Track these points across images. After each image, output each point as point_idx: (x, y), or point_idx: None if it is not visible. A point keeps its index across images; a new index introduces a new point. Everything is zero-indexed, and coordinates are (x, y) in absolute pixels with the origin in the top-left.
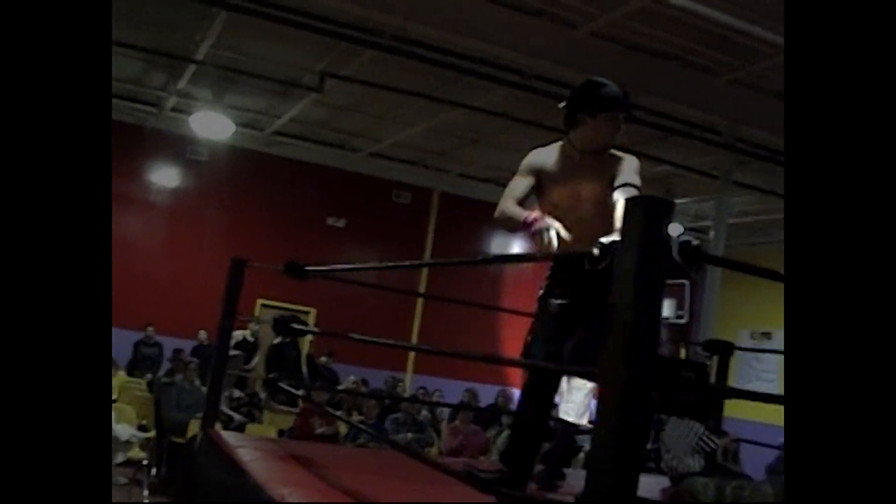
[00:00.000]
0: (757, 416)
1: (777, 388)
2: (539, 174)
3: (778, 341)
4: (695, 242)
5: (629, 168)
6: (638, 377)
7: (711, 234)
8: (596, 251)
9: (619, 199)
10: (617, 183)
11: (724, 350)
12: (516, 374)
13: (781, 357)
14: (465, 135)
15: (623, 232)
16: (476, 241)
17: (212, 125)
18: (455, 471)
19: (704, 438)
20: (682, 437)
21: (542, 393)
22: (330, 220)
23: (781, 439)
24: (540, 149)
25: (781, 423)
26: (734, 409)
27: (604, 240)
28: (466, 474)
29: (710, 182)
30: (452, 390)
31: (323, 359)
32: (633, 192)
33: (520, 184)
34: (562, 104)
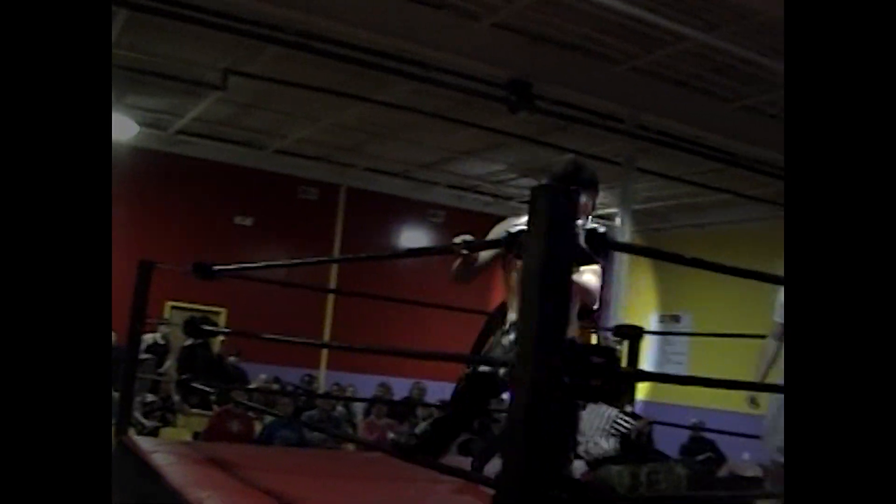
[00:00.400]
0: (668, 397)
1: (686, 369)
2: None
3: (686, 323)
4: (601, 229)
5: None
6: (548, 364)
7: (617, 220)
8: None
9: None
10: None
11: (634, 334)
12: (430, 368)
13: (690, 339)
14: (372, 129)
15: (530, 221)
16: (385, 235)
17: (113, 126)
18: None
19: (619, 421)
20: (596, 421)
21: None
22: (237, 219)
23: (693, 420)
24: (511, 219)
25: (691, 403)
26: (647, 392)
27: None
28: (392, 443)
29: (613, 169)
30: (366, 385)
31: (232, 358)
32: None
33: (484, 254)
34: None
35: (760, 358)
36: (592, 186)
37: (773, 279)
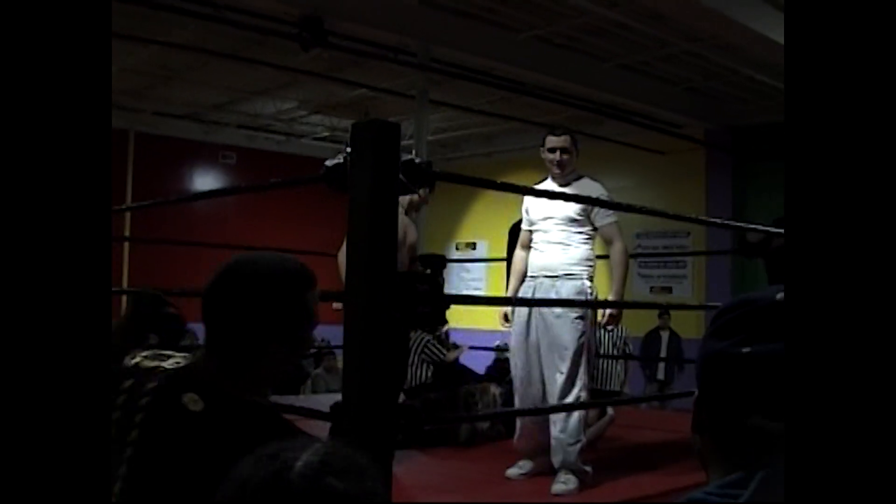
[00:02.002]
0: (471, 322)
1: (485, 293)
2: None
3: (482, 250)
4: (417, 160)
5: None
6: (380, 294)
7: (413, 152)
8: None
9: None
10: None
11: (438, 263)
12: None
13: (487, 265)
14: (160, 72)
15: (354, 156)
16: (177, 179)
17: None
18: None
19: (430, 348)
20: (412, 349)
21: None
22: None
23: (497, 342)
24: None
25: (493, 327)
26: (452, 319)
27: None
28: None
29: (406, 102)
30: None
31: None
32: None
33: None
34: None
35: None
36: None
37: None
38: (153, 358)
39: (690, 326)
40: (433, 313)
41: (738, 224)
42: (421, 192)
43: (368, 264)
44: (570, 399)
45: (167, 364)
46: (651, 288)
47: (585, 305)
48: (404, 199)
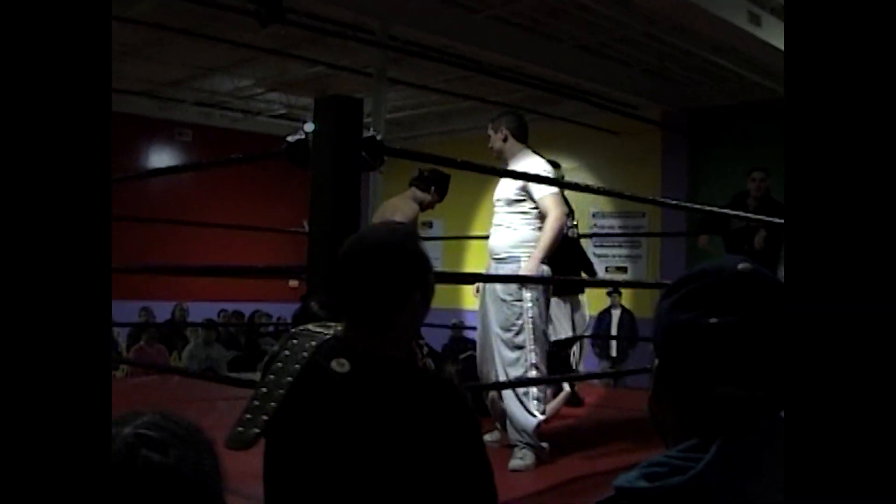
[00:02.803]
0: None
1: (440, 269)
2: None
3: (438, 229)
4: (378, 137)
5: None
6: None
7: (372, 130)
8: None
9: None
10: None
11: None
12: (190, 288)
13: (443, 243)
14: (115, 48)
15: (316, 131)
16: (133, 157)
17: None
18: None
19: None
20: None
21: None
22: None
23: (453, 320)
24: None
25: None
26: None
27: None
28: None
29: (364, 80)
30: (123, 312)
31: None
32: None
33: None
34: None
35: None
36: None
37: (517, 175)
38: (319, 327)
39: (645, 306)
40: None
41: (693, 205)
42: (433, 191)
43: (331, 239)
44: (513, 377)
45: (328, 332)
46: (606, 267)
47: (520, 281)
48: (418, 198)
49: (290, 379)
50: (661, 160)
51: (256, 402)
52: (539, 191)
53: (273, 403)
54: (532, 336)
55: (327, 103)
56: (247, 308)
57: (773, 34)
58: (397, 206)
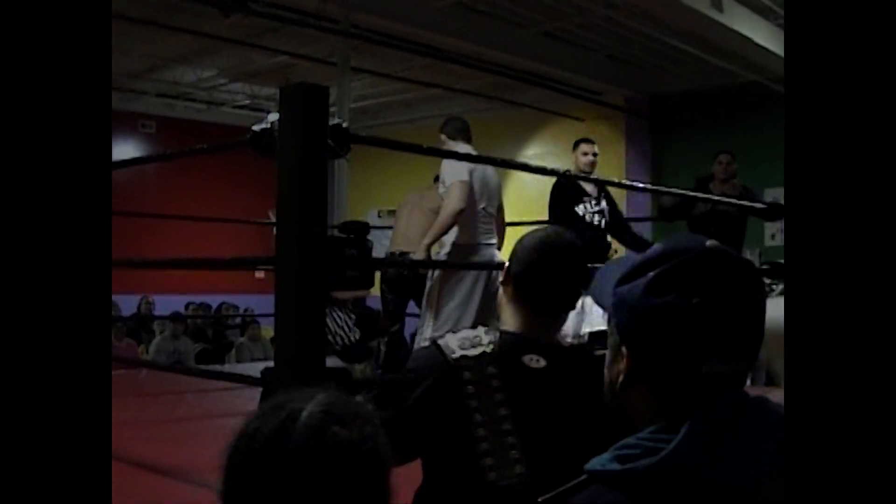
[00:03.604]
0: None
1: None
2: None
3: None
4: (345, 125)
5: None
6: (312, 259)
7: (336, 119)
8: None
9: None
10: None
11: (361, 230)
12: (160, 281)
13: None
14: None
15: (282, 119)
16: None
17: None
18: None
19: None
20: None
21: None
22: None
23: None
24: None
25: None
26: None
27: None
28: None
29: (327, 70)
30: None
31: None
32: None
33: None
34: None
35: None
36: None
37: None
38: (473, 345)
39: None
40: (361, 277)
41: (657, 188)
42: None
43: (299, 229)
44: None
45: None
46: None
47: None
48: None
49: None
50: (625, 145)
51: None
52: (448, 180)
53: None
54: (427, 304)
55: (293, 91)
56: (214, 300)
57: (736, 19)
58: (434, 199)
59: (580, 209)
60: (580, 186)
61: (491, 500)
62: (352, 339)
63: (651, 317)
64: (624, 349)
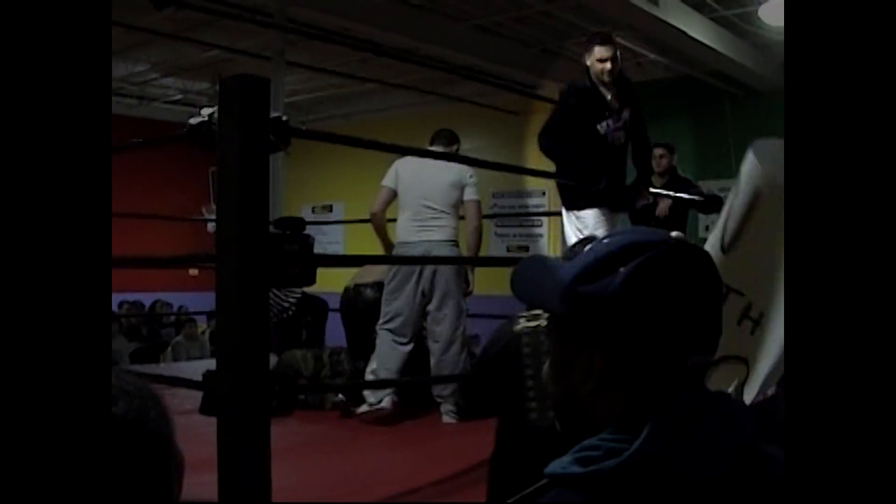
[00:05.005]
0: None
1: (342, 252)
2: None
3: (338, 213)
4: (284, 118)
5: None
6: (254, 256)
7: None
8: None
9: None
10: None
11: (297, 225)
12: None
13: (343, 227)
14: None
15: (222, 112)
16: None
17: None
18: None
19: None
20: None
21: None
22: None
23: None
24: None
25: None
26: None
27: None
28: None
29: (262, 64)
30: None
31: None
32: None
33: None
34: None
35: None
36: None
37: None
38: (532, 318)
39: None
40: (302, 273)
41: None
42: None
43: (241, 225)
44: None
45: (543, 320)
46: (507, 247)
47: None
48: None
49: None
50: None
51: None
52: None
53: None
54: None
55: (233, 83)
56: (146, 298)
57: (671, 13)
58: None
59: (602, 127)
60: (601, 96)
61: (532, 438)
62: (286, 306)
63: (633, 313)
64: (594, 351)
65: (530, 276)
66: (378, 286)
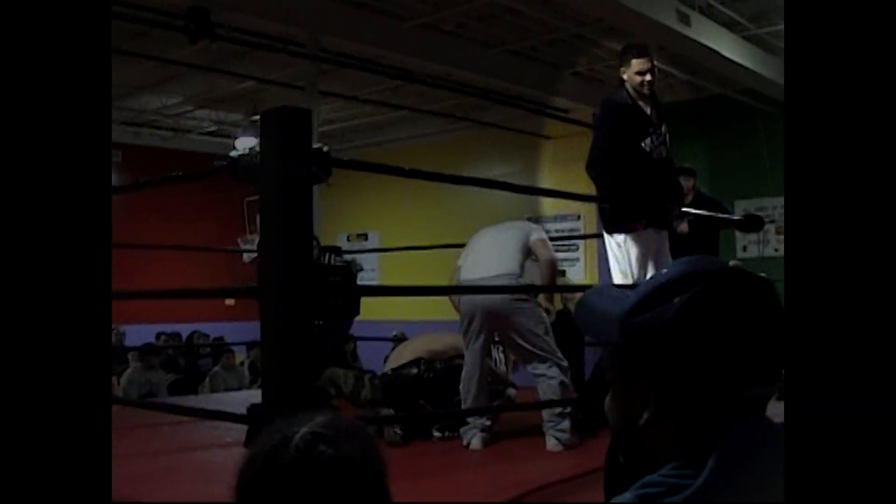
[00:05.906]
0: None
1: (378, 283)
2: None
3: (374, 241)
4: (325, 149)
5: None
6: (297, 287)
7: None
8: None
9: None
10: None
11: (335, 254)
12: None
13: (380, 255)
14: None
15: (264, 144)
16: None
17: None
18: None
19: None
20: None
21: None
22: None
23: (394, 332)
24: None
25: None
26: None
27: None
28: None
29: (295, 94)
30: None
31: None
32: None
33: None
34: None
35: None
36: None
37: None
38: None
39: None
40: (346, 304)
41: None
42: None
43: (285, 256)
44: None
45: None
46: None
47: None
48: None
49: None
50: None
51: None
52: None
53: None
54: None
55: (274, 115)
56: (183, 329)
57: (702, 33)
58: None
59: (647, 144)
60: (642, 111)
61: None
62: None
63: (685, 344)
64: (647, 384)
65: (592, 306)
66: (415, 363)
